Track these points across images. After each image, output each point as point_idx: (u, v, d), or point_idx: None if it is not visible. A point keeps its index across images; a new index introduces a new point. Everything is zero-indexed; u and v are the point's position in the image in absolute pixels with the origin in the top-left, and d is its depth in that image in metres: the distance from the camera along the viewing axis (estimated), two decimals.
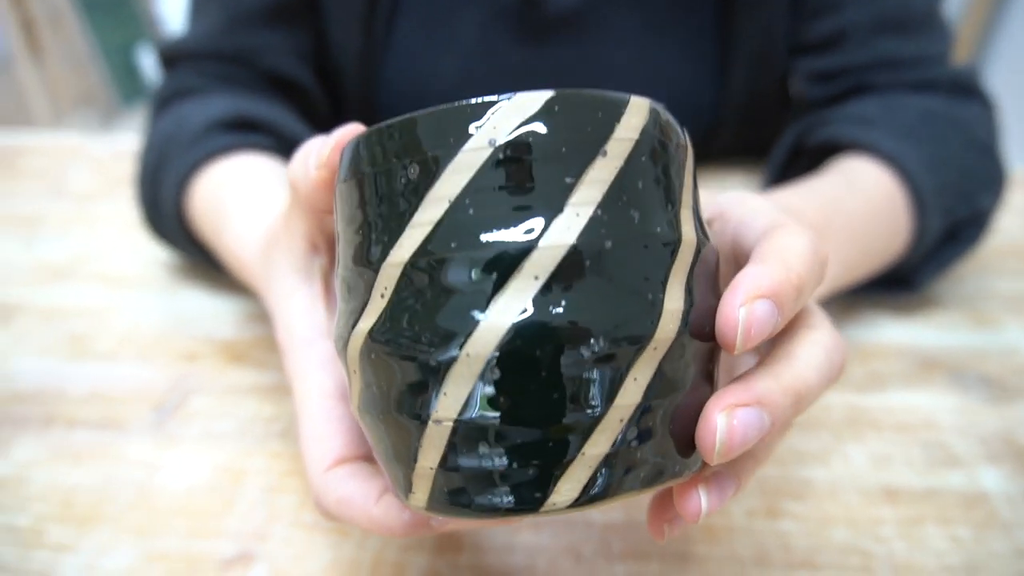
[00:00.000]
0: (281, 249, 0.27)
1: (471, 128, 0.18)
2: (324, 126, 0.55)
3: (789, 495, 0.35)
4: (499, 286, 0.18)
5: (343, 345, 0.21)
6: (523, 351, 0.17)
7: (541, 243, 0.18)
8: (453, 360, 0.18)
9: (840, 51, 0.50)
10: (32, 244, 0.54)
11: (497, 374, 0.18)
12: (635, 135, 0.19)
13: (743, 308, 0.19)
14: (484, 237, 0.18)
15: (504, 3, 0.52)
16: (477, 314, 0.18)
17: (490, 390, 0.18)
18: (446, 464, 0.19)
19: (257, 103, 0.48)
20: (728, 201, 0.25)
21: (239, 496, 0.34)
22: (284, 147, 0.46)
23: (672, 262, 0.19)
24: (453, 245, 0.18)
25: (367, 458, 0.24)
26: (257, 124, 0.45)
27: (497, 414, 0.18)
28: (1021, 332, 0.46)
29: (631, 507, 0.34)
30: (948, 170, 0.43)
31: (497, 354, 0.18)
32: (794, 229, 0.21)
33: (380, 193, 0.20)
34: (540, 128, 0.18)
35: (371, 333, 0.19)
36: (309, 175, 0.23)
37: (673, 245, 0.19)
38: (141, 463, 0.36)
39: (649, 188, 0.19)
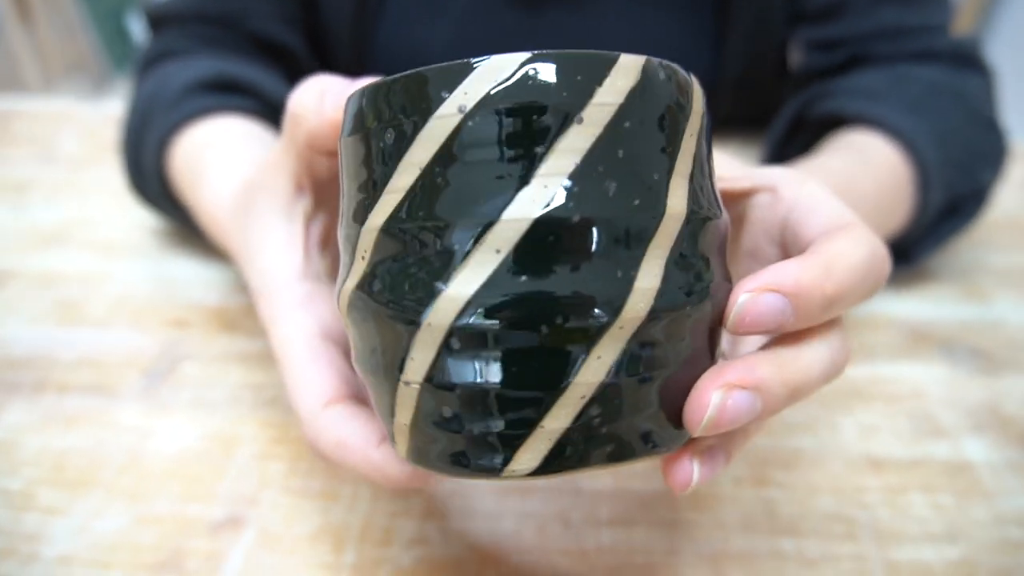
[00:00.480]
0: (265, 191, 0.27)
1: (443, 93, 0.18)
2: None
3: (776, 464, 0.35)
4: (462, 258, 0.18)
5: (337, 299, 0.21)
6: (480, 325, 0.17)
7: (504, 215, 0.17)
8: (416, 327, 0.18)
9: (840, 20, 0.49)
10: (22, 210, 0.53)
11: (457, 344, 0.18)
12: (619, 99, 0.18)
13: (748, 295, 0.18)
14: (450, 207, 0.18)
15: None
16: (439, 284, 0.18)
17: (451, 359, 0.18)
18: (417, 423, 0.20)
19: (241, 65, 0.47)
20: (784, 178, 0.24)
21: (229, 462, 0.35)
22: (267, 110, 0.45)
23: (650, 237, 0.18)
24: (421, 214, 0.18)
25: (359, 398, 0.24)
26: (240, 86, 0.45)
27: (457, 382, 0.18)
28: (1012, 305, 0.46)
29: (619, 475, 0.34)
30: (953, 145, 0.42)
31: (456, 325, 0.18)
32: (858, 235, 0.20)
33: (368, 154, 0.20)
34: (512, 94, 0.17)
35: (354, 291, 0.20)
36: (325, 113, 0.22)
37: (654, 219, 0.18)
38: (132, 428, 0.36)
39: (633, 157, 0.18)
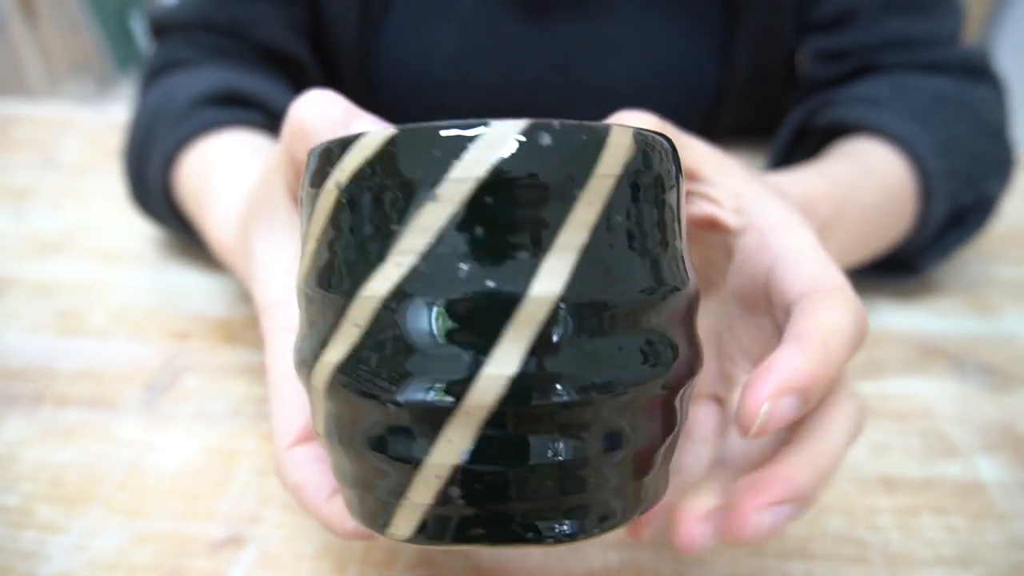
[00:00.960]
0: (263, 206, 0.26)
1: (327, 168, 0.18)
2: None
3: None
4: (331, 329, 0.18)
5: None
6: (342, 393, 0.19)
7: (360, 292, 0.18)
8: (313, 389, 0.20)
9: (849, 30, 0.48)
10: (23, 217, 0.53)
11: (333, 408, 0.20)
12: (477, 173, 0.17)
13: (768, 404, 0.19)
14: (326, 279, 0.19)
15: None
16: (320, 352, 0.19)
17: (335, 420, 0.20)
18: (335, 475, 0.21)
19: (247, 77, 0.47)
20: (773, 222, 0.24)
21: (230, 478, 0.34)
22: (273, 122, 0.45)
23: (507, 319, 0.17)
24: (312, 282, 0.19)
25: None
26: (246, 99, 0.44)
27: (342, 445, 0.19)
28: (1021, 319, 0.46)
29: None
30: (957, 155, 0.42)
31: (328, 388, 0.19)
32: (842, 301, 0.21)
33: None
34: (375, 171, 0.18)
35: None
36: (335, 120, 0.22)
37: (509, 304, 0.17)
38: (132, 443, 0.36)
39: (491, 236, 0.17)
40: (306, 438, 0.24)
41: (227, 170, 0.38)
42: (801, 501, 0.20)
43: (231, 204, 0.34)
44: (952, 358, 0.43)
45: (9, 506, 0.33)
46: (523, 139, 0.17)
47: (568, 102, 0.55)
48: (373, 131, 0.18)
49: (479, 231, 0.17)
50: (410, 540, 0.19)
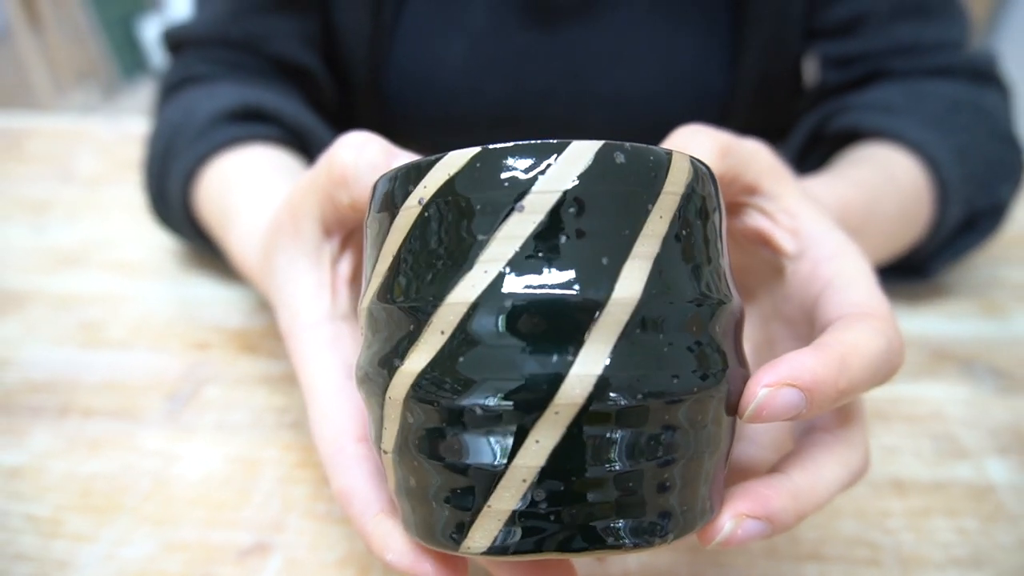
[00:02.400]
0: (288, 235, 0.27)
1: (409, 187, 0.19)
2: (332, 111, 0.54)
3: None
4: (415, 338, 0.19)
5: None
6: (426, 400, 0.19)
7: (447, 299, 0.18)
8: (383, 400, 0.20)
9: (858, 36, 0.49)
10: (41, 230, 0.54)
11: (411, 419, 0.19)
12: (561, 186, 0.18)
13: (767, 390, 0.19)
14: (407, 291, 0.19)
15: None
16: (397, 361, 0.19)
17: (408, 432, 0.20)
18: (395, 491, 0.21)
19: (264, 92, 0.47)
20: (826, 250, 0.24)
21: (254, 486, 0.35)
22: (291, 137, 0.46)
23: (591, 321, 0.17)
24: (389, 297, 0.20)
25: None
26: (264, 114, 0.45)
27: (414, 455, 0.19)
28: None
29: None
30: (973, 160, 0.42)
31: (409, 400, 0.19)
32: (878, 327, 0.21)
33: (370, 238, 0.21)
34: (460, 187, 0.18)
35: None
36: (373, 162, 0.23)
37: (595, 303, 0.18)
38: (157, 453, 0.36)
39: (576, 242, 0.18)
40: (354, 440, 0.24)
41: (248, 186, 0.39)
42: (771, 524, 0.20)
43: (254, 221, 0.35)
44: (962, 361, 0.43)
45: (40, 516, 0.33)
46: (601, 156, 0.18)
47: (578, 110, 0.56)
48: (456, 152, 0.19)
49: (563, 240, 0.18)
50: (487, 553, 0.19)
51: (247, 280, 0.38)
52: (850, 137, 0.45)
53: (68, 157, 0.63)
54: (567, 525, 0.18)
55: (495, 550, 0.19)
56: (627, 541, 0.19)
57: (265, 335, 0.44)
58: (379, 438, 0.21)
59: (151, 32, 2.49)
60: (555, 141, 0.18)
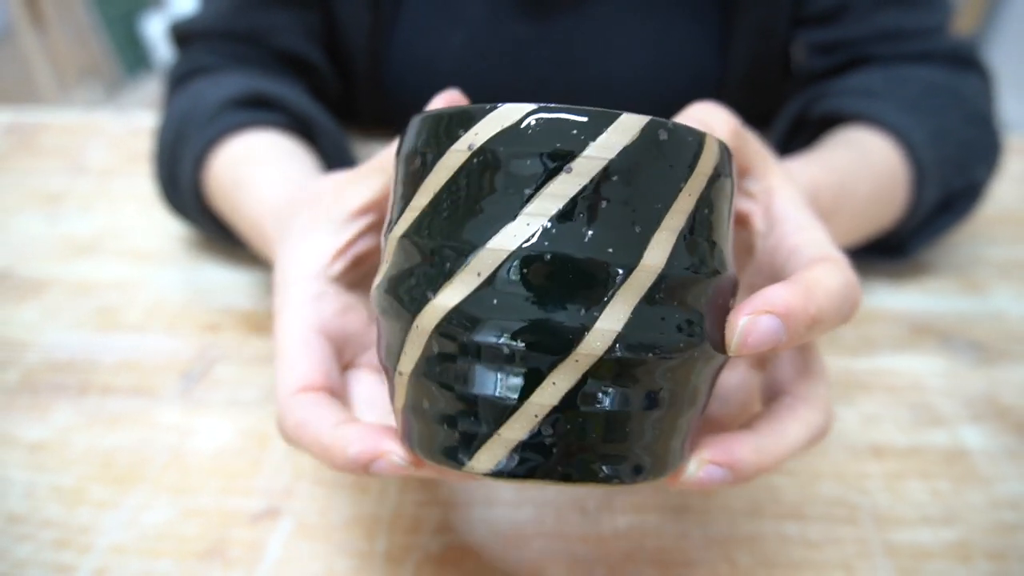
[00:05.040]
0: (321, 204, 0.28)
1: (459, 131, 0.20)
2: (334, 101, 0.56)
3: None
4: (450, 275, 0.20)
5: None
6: (455, 334, 0.20)
7: (487, 245, 0.20)
8: (409, 327, 0.21)
9: (841, 23, 0.50)
10: (56, 220, 0.56)
11: (437, 348, 0.21)
12: (609, 154, 0.19)
13: (747, 317, 0.20)
14: (448, 231, 0.20)
15: None
16: (430, 294, 0.20)
17: (432, 359, 0.21)
18: (406, 409, 0.22)
19: (270, 82, 0.49)
20: (787, 220, 0.26)
21: (264, 457, 0.37)
22: (296, 124, 0.47)
23: (617, 288, 0.19)
24: (427, 233, 0.21)
25: (335, 393, 0.26)
26: (270, 102, 0.47)
27: (433, 381, 0.21)
28: (1009, 298, 0.48)
29: None
30: (948, 143, 0.44)
31: (438, 331, 0.20)
32: (835, 266, 0.23)
33: (402, 175, 0.22)
34: (511, 139, 0.20)
35: (376, 288, 0.22)
36: None
37: (625, 268, 0.19)
38: (173, 427, 0.39)
39: (616, 209, 0.19)
40: (309, 389, 0.25)
41: (260, 162, 0.40)
42: (733, 472, 0.22)
43: (270, 190, 0.36)
44: (942, 335, 0.45)
45: (64, 486, 0.35)
46: (646, 132, 0.20)
47: (573, 97, 0.57)
48: (510, 105, 0.20)
49: (603, 204, 0.19)
50: (490, 473, 0.21)
51: (254, 246, 0.40)
52: (832, 121, 0.47)
53: (80, 150, 0.65)
54: (562, 458, 0.20)
55: (496, 472, 0.21)
56: (611, 476, 0.21)
57: (273, 317, 0.46)
58: (396, 359, 0.22)
59: (154, 29, 2.50)
60: (606, 111, 0.20)
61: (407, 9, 0.54)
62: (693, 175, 0.21)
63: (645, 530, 0.33)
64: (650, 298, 0.20)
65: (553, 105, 0.20)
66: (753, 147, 0.28)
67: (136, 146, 0.65)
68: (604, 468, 0.21)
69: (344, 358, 0.28)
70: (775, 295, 0.21)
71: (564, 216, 0.19)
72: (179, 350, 0.43)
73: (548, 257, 0.19)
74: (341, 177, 0.29)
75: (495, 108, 0.20)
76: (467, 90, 0.57)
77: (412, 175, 0.22)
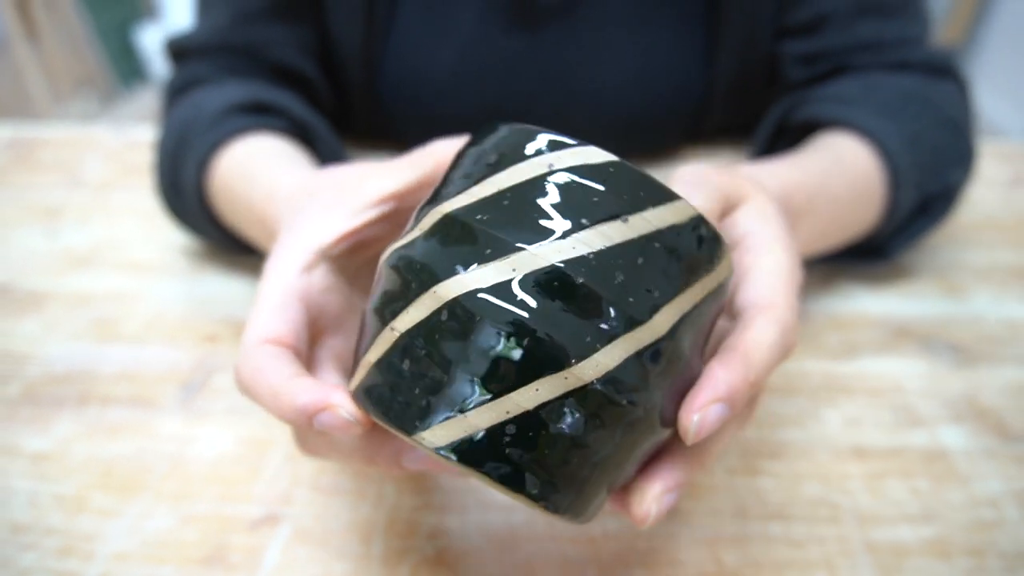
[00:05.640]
0: (344, 189, 0.30)
1: (541, 148, 0.23)
2: (329, 113, 0.57)
3: (766, 455, 0.38)
4: (485, 259, 0.21)
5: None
6: (465, 312, 0.21)
7: (531, 248, 0.21)
8: (422, 290, 0.22)
9: (821, 35, 0.52)
10: (54, 234, 0.56)
11: (445, 317, 0.21)
12: (660, 225, 0.22)
13: (698, 415, 0.23)
14: (501, 223, 0.22)
15: None
16: (458, 267, 0.22)
17: (434, 326, 0.22)
18: (380, 364, 0.23)
19: (269, 90, 0.50)
20: (748, 236, 0.28)
21: (263, 464, 0.38)
22: (296, 129, 0.48)
23: (623, 332, 0.21)
24: (479, 217, 0.22)
25: (299, 353, 0.27)
26: (271, 108, 0.48)
27: (428, 345, 0.22)
28: (988, 301, 0.49)
29: None
30: (922, 147, 0.45)
31: (449, 303, 0.21)
32: (772, 316, 0.25)
33: (462, 165, 0.25)
34: (590, 175, 0.22)
35: (401, 247, 0.24)
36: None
37: (635, 323, 0.21)
38: (172, 436, 0.39)
39: (648, 270, 0.22)
40: (274, 342, 0.26)
41: (267, 159, 0.41)
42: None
43: (280, 179, 0.37)
44: (922, 338, 0.46)
45: (66, 495, 0.36)
46: (694, 222, 0.23)
47: (562, 108, 0.59)
48: (595, 148, 0.22)
49: (640, 260, 0.22)
50: (437, 449, 0.21)
51: (255, 234, 0.40)
52: (812, 127, 0.48)
53: (77, 164, 0.66)
54: (508, 460, 0.21)
55: (444, 448, 0.21)
56: (540, 497, 0.22)
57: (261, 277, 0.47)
58: (393, 314, 0.23)
59: (148, 40, 2.51)
60: (668, 189, 0.23)
61: (399, 23, 0.56)
62: (710, 275, 0.23)
63: (635, 531, 0.34)
64: (640, 354, 0.22)
65: (632, 166, 0.22)
66: (741, 189, 0.30)
67: (133, 159, 0.66)
68: (538, 487, 0.22)
69: (315, 331, 0.29)
70: (716, 381, 0.23)
71: (605, 255, 0.21)
72: (178, 360, 0.44)
73: (580, 282, 0.21)
74: (366, 167, 0.31)
75: (581, 144, 0.22)
76: (459, 101, 0.59)
77: (483, 168, 0.23)
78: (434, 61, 0.57)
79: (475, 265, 0.21)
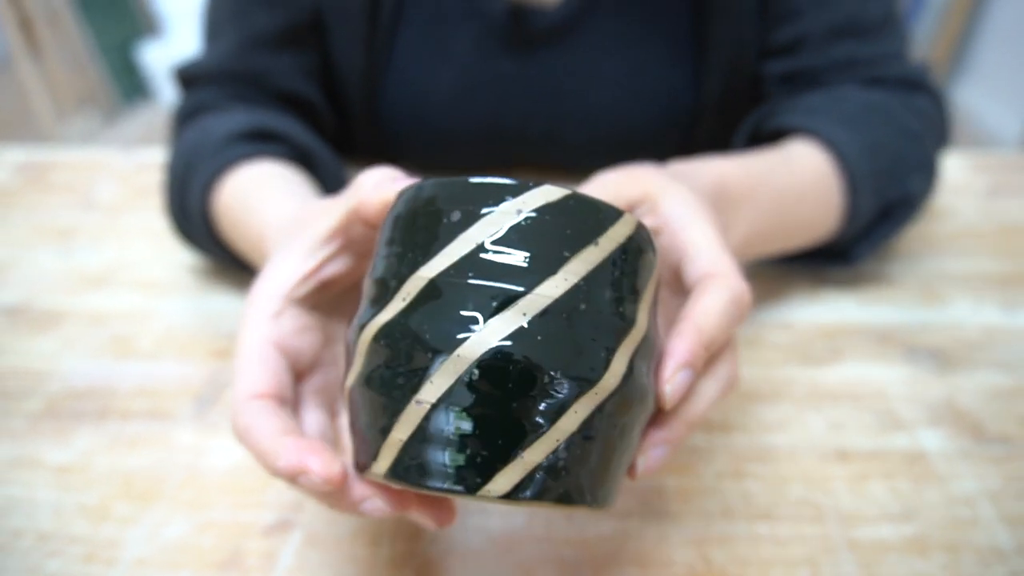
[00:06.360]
0: (304, 227, 0.32)
1: (507, 198, 0.24)
2: (332, 136, 0.59)
3: (753, 459, 0.40)
4: (495, 312, 0.23)
5: (357, 333, 0.25)
6: (499, 365, 0.22)
7: (535, 291, 0.23)
8: (445, 356, 0.22)
9: (799, 55, 0.54)
10: (69, 255, 0.59)
11: (476, 375, 0.22)
12: (621, 240, 0.25)
13: (668, 384, 0.26)
14: (495, 274, 0.23)
15: (495, 19, 0.56)
16: (474, 327, 0.23)
17: (466, 388, 0.22)
18: (414, 439, 0.23)
19: (273, 117, 0.52)
20: (673, 218, 0.31)
21: None
22: (297, 155, 0.51)
23: (624, 337, 0.24)
24: (470, 274, 0.23)
25: (284, 399, 0.29)
26: (274, 135, 0.50)
27: (466, 407, 0.23)
28: (968, 308, 0.51)
29: None
30: (882, 156, 0.48)
31: (478, 361, 0.22)
32: (721, 284, 0.28)
33: (423, 227, 0.25)
34: (555, 212, 0.24)
35: (390, 321, 0.24)
36: (381, 195, 0.28)
37: (628, 325, 0.24)
38: (188, 448, 0.41)
39: (620, 278, 0.24)
40: (261, 396, 0.28)
41: (267, 188, 0.43)
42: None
43: (277, 210, 0.39)
44: (905, 344, 0.48)
45: (89, 505, 0.38)
46: (639, 224, 0.26)
47: (557, 128, 0.61)
48: (552, 186, 0.24)
49: (626, 272, 0.25)
50: (505, 496, 0.23)
51: (258, 266, 0.42)
52: (781, 135, 0.51)
53: (89, 186, 0.68)
54: (563, 481, 0.24)
55: (510, 496, 0.23)
56: (590, 503, 0.25)
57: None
58: (412, 389, 0.23)
59: (150, 57, 2.54)
60: (611, 206, 0.25)
61: (399, 49, 0.58)
62: (653, 259, 0.27)
63: (628, 533, 0.36)
64: (636, 352, 0.25)
65: (583, 193, 0.25)
66: (642, 175, 0.33)
67: (143, 181, 0.68)
68: (589, 494, 0.25)
69: (296, 371, 0.31)
70: (677, 352, 0.26)
71: (591, 278, 0.24)
72: (191, 375, 0.46)
73: (583, 308, 0.23)
74: (323, 204, 0.32)
75: (539, 184, 0.24)
76: (457, 123, 0.62)
77: (449, 227, 0.24)
78: (433, 83, 0.59)
79: (488, 319, 0.22)
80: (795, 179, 0.45)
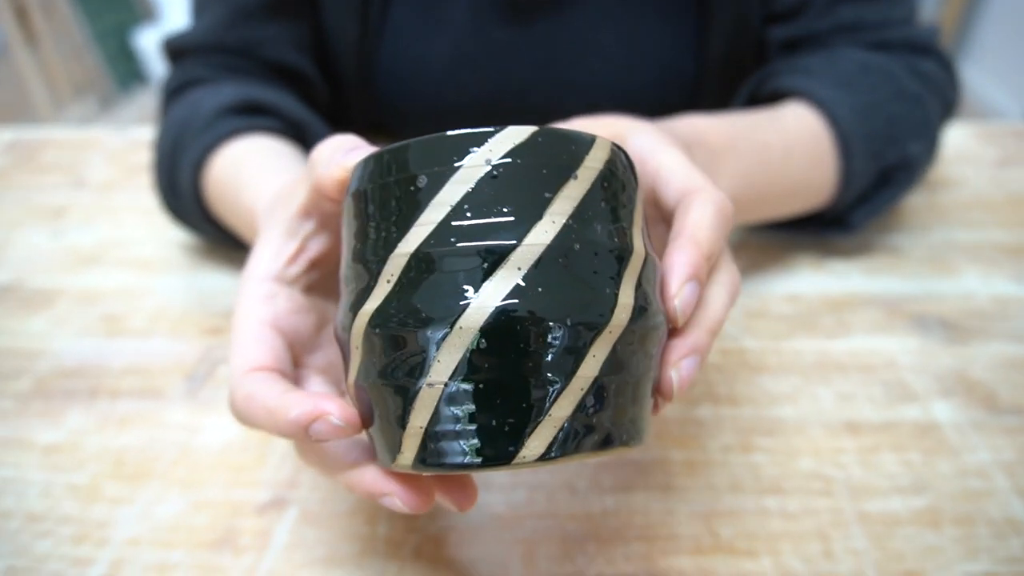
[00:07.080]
0: (281, 207, 0.31)
1: (472, 150, 0.22)
2: (325, 109, 0.58)
3: (761, 432, 0.39)
4: (488, 273, 0.21)
5: (348, 325, 0.23)
6: (504, 327, 0.21)
7: (525, 241, 0.21)
8: (447, 331, 0.21)
9: (803, 19, 0.53)
10: (61, 234, 0.57)
11: (484, 344, 0.21)
12: (599, 166, 0.23)
13: (676, 299, 0.25)
14: (479, 234, 0.21)
15: None
16: (470, 294, 0.21)
17: (477, 358, 0.21)
18: (434, 424, 0.22)
19: (263, 90, 0.51)
20: (641, 149, 0.30)
21: (269, 451, 0.39)
22: (290, 128, 0.49)
23: (625, 267, 0.23)
24: (452, 240, 0.22)
25: (284, 374, 0.28)
26: (265, 108, 0.49)
27: (481, 378, 0.21)
28: (978, 278, 0.50)
29: None
30: (876, 117, 0.47)
31: (483, 328, 0.21)
32: (704, 198, 0.27)
33: (390, 200, 0.23)
34: (526, 153, 0.22)
35: (377, 312, 0.22)
36: (332, 173, 0.26)
37: (627, 253, 0.23)
38: (180, 426, 0.40)
39: (608, 207, 0.23)
40: (259, 369, 0.27)
41: (257, 163, 0.42)
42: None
43: (266, 187, 0.38)
44: (915, 316, 0.47)
45: (79, 485, 0.37)
46: (614, 147, 0.25)
47: (555, 98, 0.59)
48: (517, 127, 0.23)
49: (609, 198, 0.23)
50: (541, 458, 0.22)
51: (250, 242, 0.41)
52: (779, 97, 0.50)
53: (80, 165, 0.67)
54: (594, 428, 0.22)
55: (545, 456, 0.22)
56: (627, 442, 0.23)
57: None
58: (420, 372, 0.22)
59: (146, 43, 2.52)
60: (583, 134, 0.24)
61: (393, 19, 0.56)
62: (634, 179, 0.25)
63: (632, 507, 0.35)
64: (640, 279, 0.24)
65: (549, 126, 0.23)
66: (611, 122, 0.33)
67: (134, 160, 0.67)
68: (624, 434, 0.23)
69: (294, 353, 0.30)
70: (681, 267, 0.25)
71: (578, 214, 0.22)
72: (183, 353, 0.45)
73: (577, 248, 0.22)
74: (291, 182, 0.31)
75: (501, 129, 0.23)
76: (454, 94, 0.60)
77: (417, 195, 0.22)
78: (428, 54, 0.58)
79: (482, 282, 0.21)
80: (782, 136, 0.44)
